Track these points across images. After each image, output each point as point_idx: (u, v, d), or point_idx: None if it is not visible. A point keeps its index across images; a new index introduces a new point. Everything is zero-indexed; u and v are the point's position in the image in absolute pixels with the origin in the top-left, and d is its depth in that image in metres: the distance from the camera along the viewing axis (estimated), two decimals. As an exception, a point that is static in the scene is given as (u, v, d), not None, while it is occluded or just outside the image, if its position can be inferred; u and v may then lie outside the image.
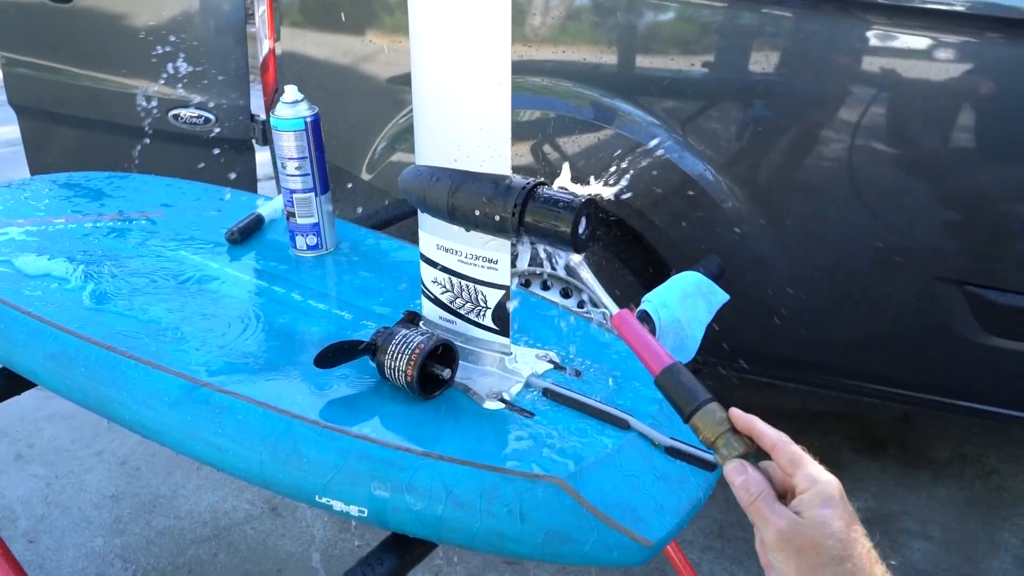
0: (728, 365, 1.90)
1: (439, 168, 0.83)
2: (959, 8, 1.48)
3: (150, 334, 0.97)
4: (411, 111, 1.95)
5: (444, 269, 0.89)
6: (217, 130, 2.21)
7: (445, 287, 0.90)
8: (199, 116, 2.21)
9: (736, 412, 0.71)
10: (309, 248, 1.17)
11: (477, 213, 0.80)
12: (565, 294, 1.95)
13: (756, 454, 0.72)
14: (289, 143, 1.11)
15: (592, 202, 0.77)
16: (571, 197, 0.77)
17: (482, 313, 0.88)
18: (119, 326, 0.99)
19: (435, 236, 0.88)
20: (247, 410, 0.84)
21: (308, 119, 1.10)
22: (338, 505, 0.79)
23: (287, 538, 1.91)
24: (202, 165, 2.26)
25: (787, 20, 1.60)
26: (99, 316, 1.01)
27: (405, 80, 1.94)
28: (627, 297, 1.91)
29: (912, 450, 2.19)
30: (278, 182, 2.24)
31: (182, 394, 0.87)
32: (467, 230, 0.84)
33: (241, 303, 1.05)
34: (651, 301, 1.21)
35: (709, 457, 0.82)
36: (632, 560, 0.74)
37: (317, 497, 0.80)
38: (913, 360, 1.78)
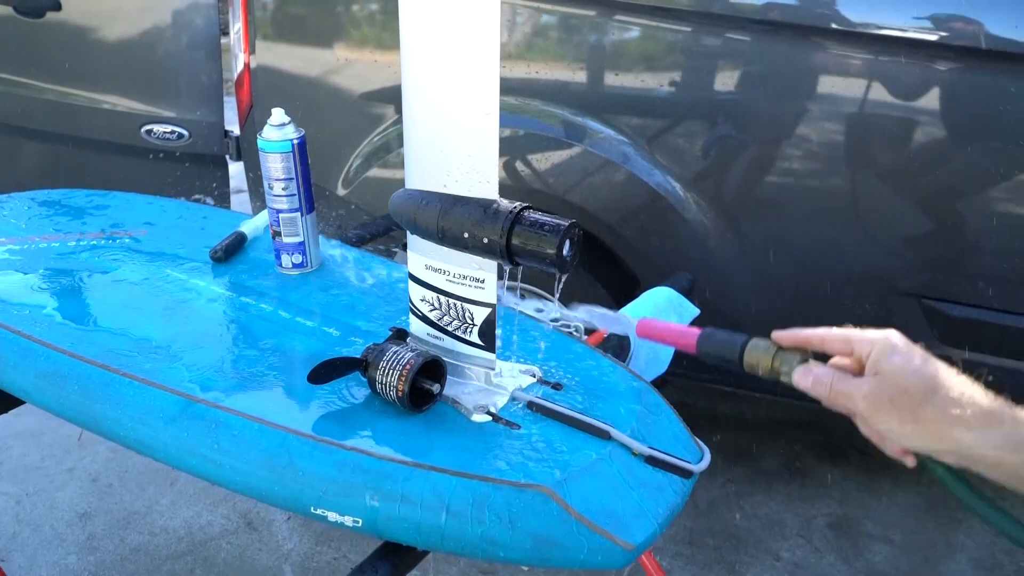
0: (694, 376, 1.96)
1: (429, 192, 0.87)
2: (910, 35, 1.56)
3: (142, 352, 0.99)
4: (387, 129, 1.99)
5: (432, 288, 0.92)
6: (190, 145, 2.23)
7: (433, 305, 0.93)
8: (172, 131, 2.22)
9: (778, 333, 0.76)
10: (295, 266, 1.20)
11: (466, 235, 0.84)
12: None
13: (813, 356, 0.77)
14: (276, 164, 1.14)
15: (576, 224, 0.82)
16: (556, 221, 0.81)
17: (469, 330, 0.92)
18: (110, 344, 1.01)
19: (424, 256, 0.92)
20: (243, 425, 0.87)
21: (295, 141, 1.13)
22: (333, 516, 0.83)
23: (263, 552, 1.92)
24: (172, 180, 2.27)
25: (749, 43, 1.67)
26: (90, 334, 1.03)
27: (380, 96, 1.97)
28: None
29: (872, 457, 2.26)
30: (251, 196, 2.26)
31: (178, 410, 0.90)
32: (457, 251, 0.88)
33: (230, 321, 1.08)
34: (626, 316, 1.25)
35: (686, 465, 0.86)
36: (615, 563, 0.79)
37: (312, 508, 0.83)
38: (873, 370, 1.85)
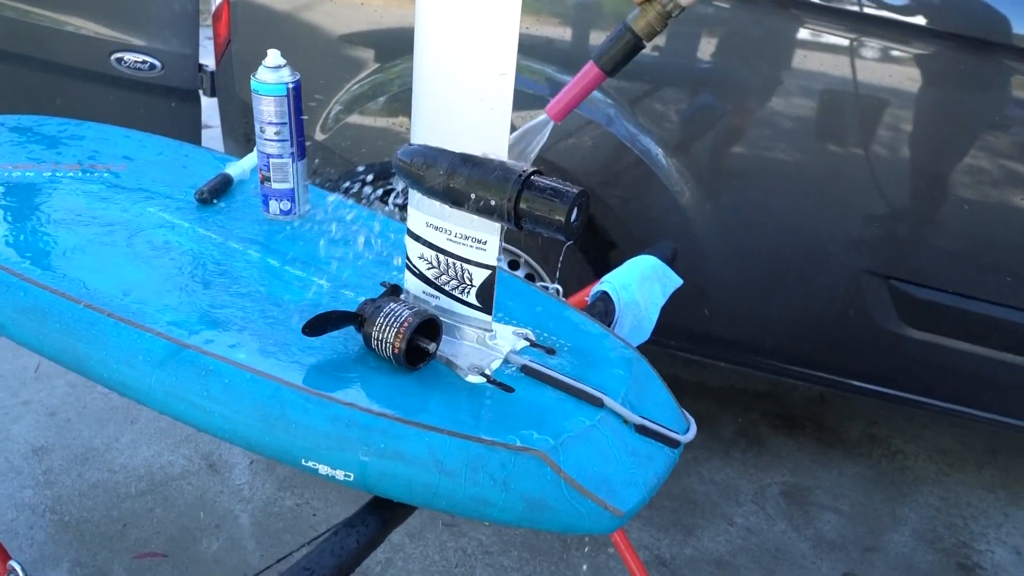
0: (659, 343, 1.99)
1: (436, 149, 0.86)
2: (891, 15, 1.58)
3: (127, 293, 0.97)
4: (369, 76, 1.95)
5: (432, 246, 0.92)
6: (162, 77, 2.15)
7: (431, 264, 0.93)
8: (144, 61, 2.14)
9: None
10: (282, 213, 1.18)
11: (473, 196, 0.83)
12: (513, 266, 2.00)
13: None
14: (269, 108, 1.11)
15: (585, 193, 0.82)
16: (566, 187, 0.81)
17: (467, 291, 0.92)
18: (94, 283, 0.98)
19: (425, 214, 0.91)
20: (234, 374, 0.86)
21: (290, 85, 1.10)
22: (324, 469, 0.82)
23: (224, 495, 1.91)
24: (142, 113, 2.19)
25: (734, 12, 1.66)
26: (72, 271, 1.00)
27: (363, 40, 1.93)
28: (575, 274, 1.97)
29: (826, 429, 2.34)
30: (224, 135, 2.20)
31: (167, 355, 0.88)
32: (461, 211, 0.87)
33: (218, 266, 1.06)
34: (610, 283, 1.26)
35: (674, 435, 0.88)
36: (603, 528, 0.80)
37: (303, 461, 0.83)
38: (835, 345, 1.91)
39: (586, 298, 1.28)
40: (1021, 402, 1.86)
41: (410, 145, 0.88)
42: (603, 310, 1.21)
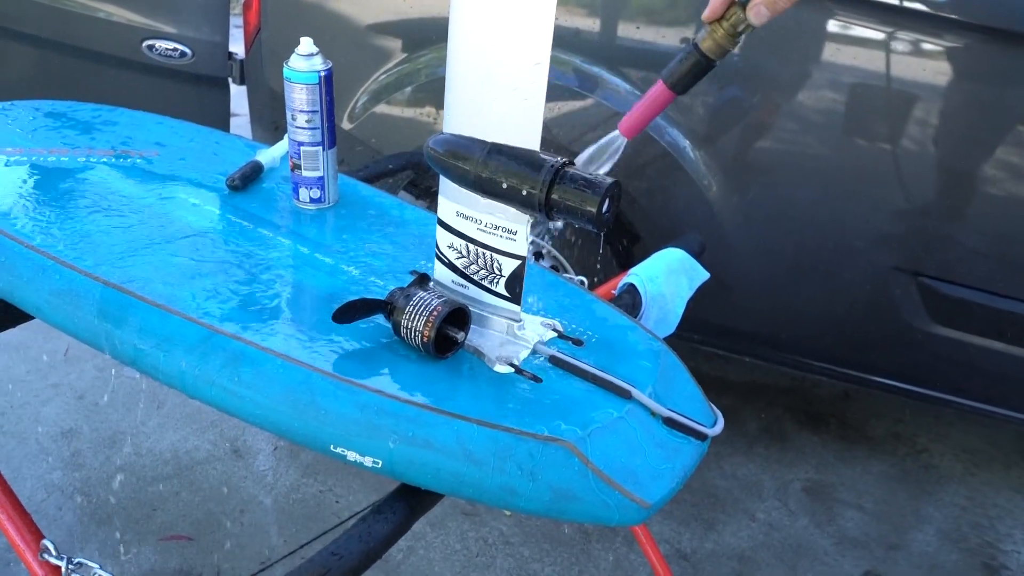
0: (682, 336, 1.98)
1: (469, 138, 0.86)
2: (920, 7, 1.56)
3: (160, 277, 0.98)
4: (397, 66, 1.95)
5: (462, 235, 0.92)
6: (192, 65, 2.17)
7: (461, 253, 0.93)
8: (175, 49, 2.16)
9: (703, 17, 0.99)
10: (312, 201, 1.19)
11: (504, 186, 0.83)
12: (537, 257, 2.00)
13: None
14: (301, 96, 1.11)
15: (618, 184, 0.81)
16: (599, 179, 0.80)
17: (496, 281, 0.92)
18: (126, 266, 0.99)
19: (456, 203, 0.91)
20: (265, 360, 0.87)
21: (322, 73, 1.11)
22: (352, 455, 0.83)
23: (249, 480, 1.94)
24: (173, 100, 2.21)
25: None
26: (106, 255, 1.01)
27: (391, 30, 1.93)
28: (599, 265, 1.96)
29: (851, 426, 2.33)
30: (252, 123, 2.22)
31: (198, 340, 0.89)
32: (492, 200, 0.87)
33: (249, 252, 1.06)
34: (637, 275, 1.26)
35: (702, 428, 0.88)
36: (630, 520, 0.80)
37: (332, 447, 0.84)
38: (862, 342, 1.89)
39: (613, 291, 1.28)
40: (1051, 403, 1.84)
41: (442, 134, 0.89)
42: (630, 303, 1.21)
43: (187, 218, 1.12)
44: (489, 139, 0.85)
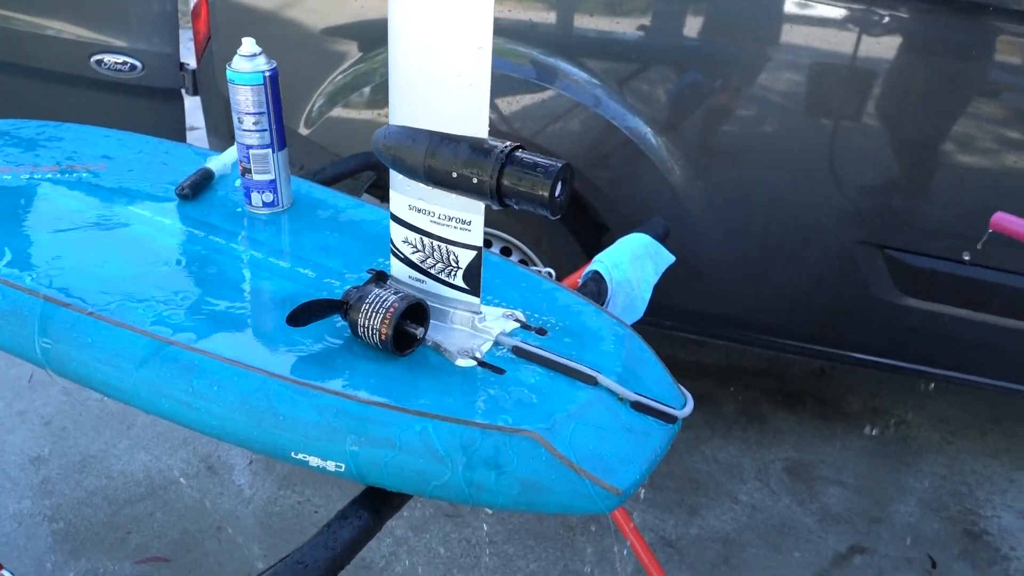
0: (655, 323, 1.98)
1: (415, 129, 0.84)
2: None
3: (108, 291, 0.95)
4: (351, 67, 1.93)
5: (416, 229, 0.90)
6: (143, 78, 2.13)
7: (416, 247, 0.91)
8: (124, 62, 2.11)
9: None
10: (265, 205, 1.16)
11: (454, 175, 0.81)
12: (505, 252, 1.98)
13: None
14: (246, 97, 1.08)
15: (569, 166, 0.80)
16: (549, 161, 0.79)
17: (453, 273, 0.90)
18: (74, 283, 0.96)
19: (407, 196, 0.89)
20: (219, 368, 0.84)
21: (267, 73, 1.08)
22: (315, 461, 0.81)
23: (225, 496, 1.90)
24: (125, 114, 2.17)
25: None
26: (51, 272, 0.98)
27: (343, 33, 1.90)
28: (568, 257, 1.95)
29: (827, 403, 2.33)
30: (208, 134, 2.18)
31: (149, 352, 0.87)
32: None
33: (201, 260, 1.04)
34: (602, 262, 1.24)
35: (671, 410, 0.86)
36: (602, 507, 0.79)
37: (293, 453, 0.81)
38: (833, 318, 1.89)
39: (579, 279, 1.27)
40: (1022, 367, 1.85)
41: (388, 126, 0.86)
42: (595, 290, 1.20)
43: (136, 230, 1.09)
44: (436, 128, 0.83)
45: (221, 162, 1.24)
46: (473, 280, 0.89)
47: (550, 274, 1.22)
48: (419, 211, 0.88)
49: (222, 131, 2.11)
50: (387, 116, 1.90)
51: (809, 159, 1.72)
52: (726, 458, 2.10)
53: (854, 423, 2.26)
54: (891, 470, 2.10)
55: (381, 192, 2.12)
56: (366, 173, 1.90)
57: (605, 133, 1.80)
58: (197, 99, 2.19)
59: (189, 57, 2.15)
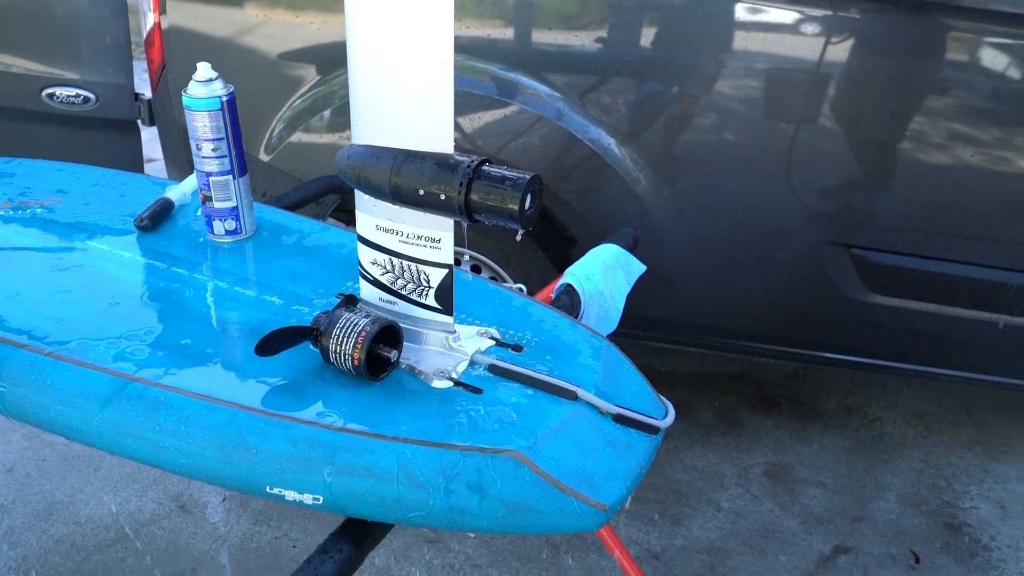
0: (628, 334, 1.97)
1: (379, 147, 0.82)
2: None
3: (67, 330, 0.91)
4: (309, 91, 1.90)
5: (384, 250, 0.88)
6: (98, 110, 2.08)
7: (386, 268, 0.89)
8: (77, 95, 2.07)
9: None
10: (228, 233, 1.13)
11: (421, 192, 0.79)
12: (475, 270, 1.96)
13: None
14: (204, 124, 1.06)
15: (538, 178, 0.78)
16: (517, 174, 0.77)
17: (425, 293, 0.88)
18: (31, 322, 0.92)
19: (374, 217, 0.87)
20: (186, 404, 0.81)
21: (224, 98, 1.06)
22: (291, 494, 0.78)
23: (199, 536, 1.85)
24: (79, 148, 2.12)
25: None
26: (6, 312, 0.94)
27: (300, 57, 1.88)
28: (538, 272, 1.94)
29: (802, 404, 2.34)
30: (167, 164, 2.14)
31: (112, 391, 0.83)
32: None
33: (163, 293, 1.00)
34: (574, 274, 1.23)
35: (653, 421, 0.85)
36: (589, 525, 0.77)
37: (268, 488, 0.79)
38: (805, 320, 1.90)
39: (551, 294, 1.25)
40: (990, 358, 1.87)
41: (351, 146, 0.85)
42: (568, 303, 1.18)
43: (95, 264, 1.06)
44: (400, 146, 0.81)
45: (180, 191, 1.21)
46: (445, 299, 0.87)
47: (521, 289, 1.20)
48: (387, 231, 0.87)
49: (181, 161, 2.07)
50: (348, 138, 1.89)
51: (771, 163, 1.73)
52: (706, 466, 2.10)
53: (829, 423, 2.27)
54: (868, 468, 2.11)
55: (346, 216, 2.09)
56: (330, 197, 1.88)
57: (569, 146, 1.79)
58: (154, 130, 2.15)
59: (144, 87, 2.11)
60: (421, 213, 0.83)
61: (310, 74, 1.90)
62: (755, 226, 1.80)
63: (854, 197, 1.73)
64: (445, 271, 0.86)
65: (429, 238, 0.84)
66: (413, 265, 0.87)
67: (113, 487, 1.96)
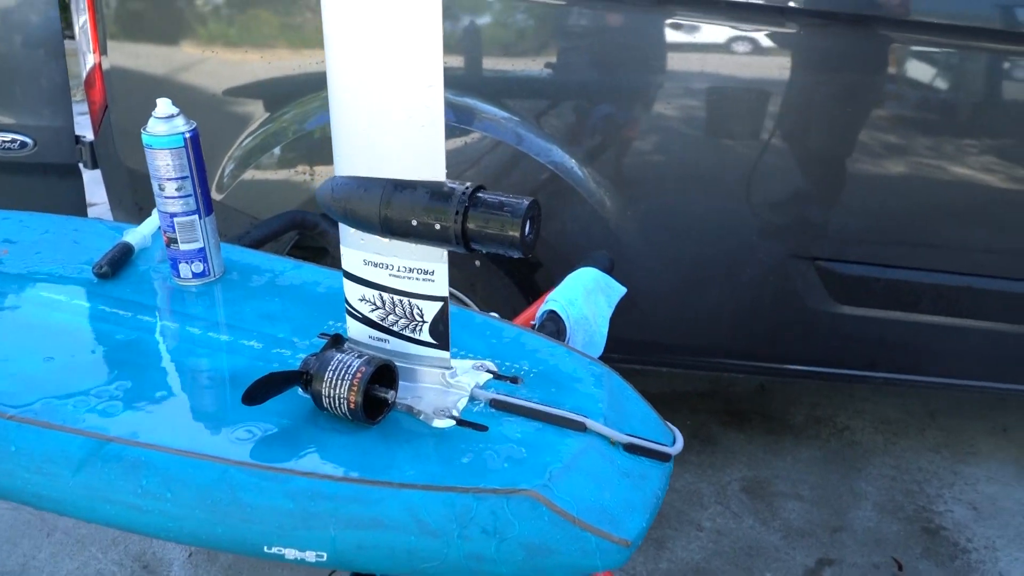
0: (603, 357, 1.95)
1: (366, 178, 0.78)
2: (792, 4, 1.60)
3: (29, 389, 0.85)
4: (259, 129, 1.85)
5: (373, 285, 0.84)
6: (36, 154, 1.99)
7: (375, 304, 0.84)
8: (13, 140, 1.97)
9: None
10: (195, 276, 1.07)
11: (415, 223, 0.76)
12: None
13: None
14: (166, 162, 1.00)
15: (536, 203, 0.75)
16: (515, 200, 0.74)
17: (419, 328, 0.84)
18: (-13, 384, 0.85)
19: (361, 251, 0.83)
20: (170, 462, 0.75)
21: (187, 135, 1.00)
22: (291, 553, 0.73)
23: (165, 596, 1.75)
24: (17, 195, 2.03)
25: (624, 16, 1.66)
26: (-41, 375, 0.87)
27: (246, 92, 1.83)
28: (505, 299, 1.90)
29: (772, 418, 2.35)
30: (112, 208, 2.05)
31: (86, 454, 0.77)
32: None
33: (131, 344, 0.94)
34: (557, 300, 1.20)
35: (665, 449, 0.82)
36: (612, 563, 0.73)
37: (266, 548, 0.73)
38: (773, 334, 1.91)
39: (531, 321, 1.22)
40: (954, 362, 1.90)
41: (334, 178, 0.80)
42: (554, 330, 1.15)
43: (53, 317, 0.99)
44: (388, 175, 0.78)
45: (140, 234, 1.15)
46: (441, 333, 0.83)
47: (495, 318, 1.17)
48: (376, 265, 0.82)
49: (127, 204, 1.99)
50: (302, 173, 1.84)
51: (730, 181, 1.74)
52: (684, 486, 2.08)
53: (800, 435, 2.27)
54: (843, 477, 2.11)
55: (302, 253, 2.03)
56: (288, 234, 1.82)
57: (530, 170, 1.77)
58: (96, 173, 2.06)
59: (85, 129, 2.03)
60: (413, 245, 0.79)
61: (258, 110, 1.85)
62: (720, 244, 1.80)
63: (815, 210, 1.75)
64: (440, 304, 0.82)
65: (422, 270, 0.81)
66: (405, 300, 0.82)
67: (69, 551, 1.85)
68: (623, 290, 1.32)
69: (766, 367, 1.97)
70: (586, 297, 1.24)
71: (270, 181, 1.87)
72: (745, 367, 2.00)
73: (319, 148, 1.80)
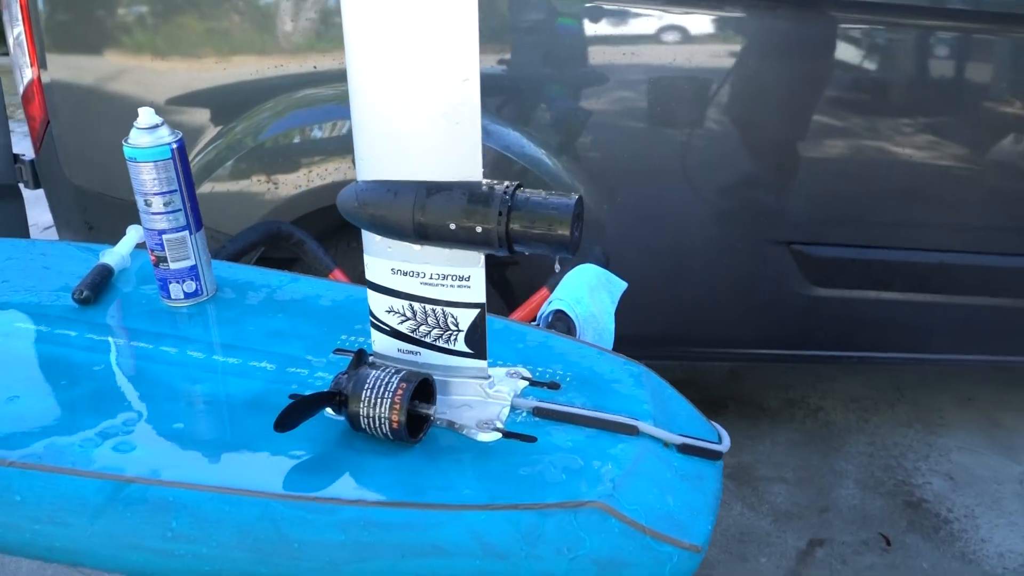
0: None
1: (396, 182, 0.73)
2: None
3: (29, 432, 0.77)
4: (212, 142, 1.76)
5: (403, 295, 0.78)
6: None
7: (405, 315, 0.79)
8: (-57, 162, 1.84)
9: None
10: (187, 296, 1.00)
11: (453, 227, 0.71)
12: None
13: None
14: (151, 176, 0.93)
15: (581, 200, 0.72)
16: (561, 197, 0.70)
17: (453, 338, 0.79)
18: (-22, 429, 0.77)
19: (389, 260, 0.77)
20: (204, 500, 0.69)
21: (173, 145, 0.93)
22: (345, 588, 0.67)
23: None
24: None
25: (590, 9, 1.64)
26: (-57, 421, 0.78)
27: (197, 100, 1.74)
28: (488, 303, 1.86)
29: (747, 403, 2.36)
30: (59, 229, 1.93)
31: (104, 498, 0.70)
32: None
33: (132, 373, 0.87)
34: (562, 299, 1.17)
35: (716, 447, 0.80)
36: (684, 570, 0.70)
37: (317, 585, 0.67)
38: (753, 319, 1.91)
39: (533, 321, 1.19)
40: (924, 337, 1.94)
41: (359, 183, 0.75)
42: (565, 329, 1.12)
43: (39, 349, 0.90)
44: (420, 178, 0.73)
45: (118, 255, 1.07)
46: (477, 342, 0.79)
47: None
48: (405, 273, 0.77)
49: (76, 224, 1.87)
50: (261, 183, 1.76)
51: (702, 169, 1.73)
52: (671, 477, 2.07)
53: (776, 418, 2.29)
54: (823, 457, 2.14)
55: (269, 265, 1.95)
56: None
57: (501, 164, 1.73)
58: (34, 191, 1.94)
59: (25, 147, 1.90)
60: (447, 250, 0.74)
61: (210, 122, 1.77)
62: (695, 232, 1.80)
63: (787, 195, 1.76)
64: (476, 311, 0.77)
65: (457, 276, 0.76)
66: (438, 308, 0.78)
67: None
68: (624, 285, 1.30)
69: (746, 353, 1.98)
70: (591, 294, 1.21)
71: (228, 194, 1.79)
72: (727, 354, 2.00)
73: (276, 158, 1.73)
